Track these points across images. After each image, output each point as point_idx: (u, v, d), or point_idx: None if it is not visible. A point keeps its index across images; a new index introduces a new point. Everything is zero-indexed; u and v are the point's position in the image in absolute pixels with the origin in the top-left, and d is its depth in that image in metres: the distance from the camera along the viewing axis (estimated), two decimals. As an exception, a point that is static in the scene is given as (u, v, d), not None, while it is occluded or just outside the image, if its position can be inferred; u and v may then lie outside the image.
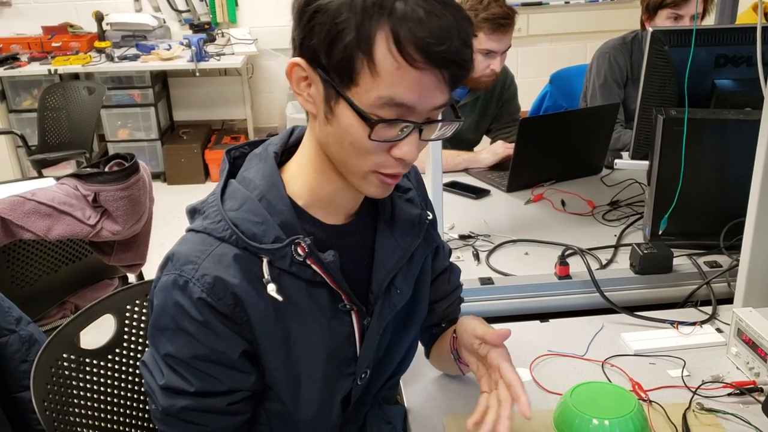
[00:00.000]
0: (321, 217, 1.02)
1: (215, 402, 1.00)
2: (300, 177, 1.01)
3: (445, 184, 2.05)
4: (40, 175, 3.78)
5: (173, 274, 0.95)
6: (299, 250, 0.96)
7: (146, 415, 1.34)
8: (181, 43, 4.77)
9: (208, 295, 0.93)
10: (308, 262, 0.97)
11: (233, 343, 0.97)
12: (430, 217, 1.16)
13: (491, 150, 2.33)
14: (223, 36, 4.96)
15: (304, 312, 1.00)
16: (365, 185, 0.97)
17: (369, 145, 0.90)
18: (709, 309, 1.52)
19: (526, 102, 2.87)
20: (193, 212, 1.03)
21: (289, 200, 0.99)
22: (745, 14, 3.20)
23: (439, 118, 0.95)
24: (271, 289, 0.95)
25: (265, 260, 0.96)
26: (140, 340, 1.33)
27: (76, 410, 1.22)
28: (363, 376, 1.12)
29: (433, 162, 1.55)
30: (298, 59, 0.92)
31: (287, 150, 1.05)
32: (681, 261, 1.67)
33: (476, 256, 1.74)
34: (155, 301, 0.98)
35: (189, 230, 1.01)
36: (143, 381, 1.03)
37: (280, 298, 0.95)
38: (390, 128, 0.90)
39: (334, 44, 0.86)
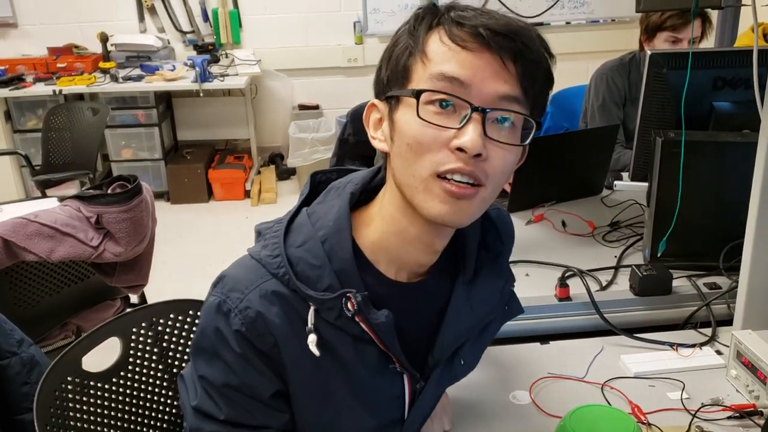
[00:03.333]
0: (386, 270, 0.96)
1: None
2: (372, 225, 0.95)
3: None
4: (44, 195, 3.79)
5: (219, 298, 0.92)
6: (349, 305, 0.90)
7: (148, 438, 1.34)
8: (185, 64, 4.81)
9: (246, 330, 0.90)
10: (356, 319, 0.91)
11: (268, 381, 0.93)
12: (515, 285, 1.11)
13: None
14: (227, 57, 5.00)
15: (346, 366, 0.95)
16: (429, 200, 0.86)
17: (424, 138, 0.84)
18: (708, 331, 1.52)
19: (527, 123, 2.87)
20: (258, 234, 0.98)
21: (352, 248, 0.92)
22: (746, 35, 3.21)
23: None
24: (311, 340, 0.89)
25: (312, 307, 0.91)
26: (146, 363, 1.33)
27: (79, 433, 1.22)
28: None
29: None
30: (374, 100, 0.93)
31: (371, 188, 0.98)
32: (680, 282, 1.67)
33: (477, 278, 1.74)
34: (200, 320, 0.95)
35: (248, 253, 0.97)
36: (179, 395, 1.01)
37: (317, 353, 0.90)
38: (444, 113, 0.84)
39: (391, 57, 0.89)
